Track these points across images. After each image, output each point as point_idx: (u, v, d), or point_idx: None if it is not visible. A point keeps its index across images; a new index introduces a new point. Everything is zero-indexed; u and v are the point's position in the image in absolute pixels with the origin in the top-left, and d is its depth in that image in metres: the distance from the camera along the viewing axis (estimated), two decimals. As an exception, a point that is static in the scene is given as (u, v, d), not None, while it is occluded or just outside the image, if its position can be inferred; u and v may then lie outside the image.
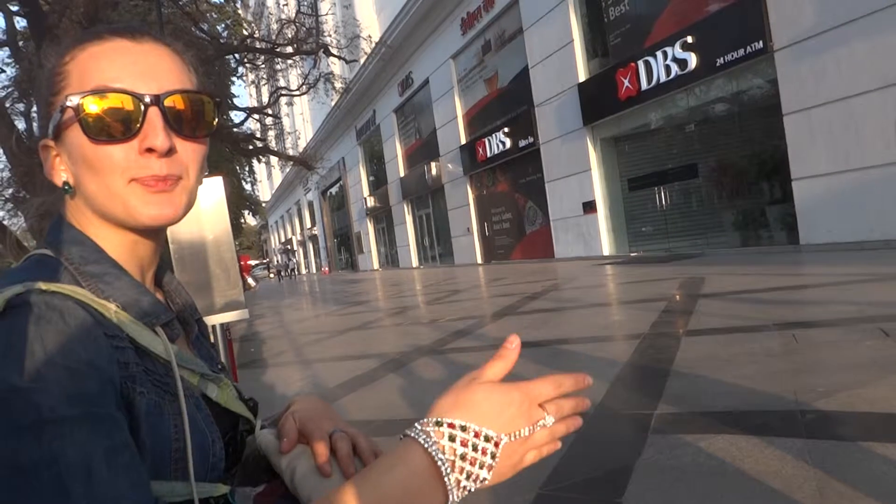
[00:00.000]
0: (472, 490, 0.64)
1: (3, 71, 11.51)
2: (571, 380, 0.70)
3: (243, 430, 0.86)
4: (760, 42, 10.08)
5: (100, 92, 0.69)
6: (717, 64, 10.89)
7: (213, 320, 3.17)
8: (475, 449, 0.63)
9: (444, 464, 0.62)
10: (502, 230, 19.94)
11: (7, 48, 9.92)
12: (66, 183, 0.73)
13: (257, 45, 15.64)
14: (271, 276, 49.04)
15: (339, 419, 0.87)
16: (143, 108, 0.70)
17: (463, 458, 0.63)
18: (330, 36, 17.27)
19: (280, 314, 13.88)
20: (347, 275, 34.30)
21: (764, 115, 10.82)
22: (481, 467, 0.63)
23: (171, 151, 0.72)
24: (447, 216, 23.35)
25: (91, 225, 0.75)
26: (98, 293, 0.69)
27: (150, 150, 0.70)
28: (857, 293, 5.60)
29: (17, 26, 9.14)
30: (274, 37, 15.54)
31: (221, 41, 14.54)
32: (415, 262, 28.01)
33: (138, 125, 0.70)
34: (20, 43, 8.61)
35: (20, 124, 8.96)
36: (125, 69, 0.71)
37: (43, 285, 0.62)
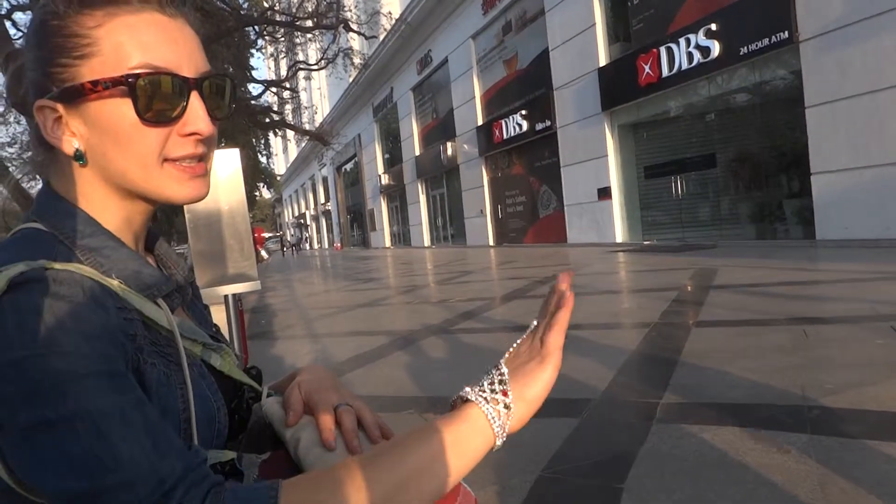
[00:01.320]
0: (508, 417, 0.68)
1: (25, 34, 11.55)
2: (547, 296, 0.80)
3: (249, 398, 0.87)
4: (786, 32, 9.91)
5: (152, 73, 0.68)
6: (741, 53, 10.73)
7: (226, 290, 3.19)
8: (488, 378, 0.71)
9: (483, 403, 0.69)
10: (515, 213, 19.89)
11: (29, 11, 9.94)
12: (78, 150, 0.71)
13: (277, 17, 15.57)
14: (284, 250, 49.29)
15: (344, 391, 0.88)
16: (187, 91, 0.71)
17: (482, 389, 0.70)
18: (350, 11, 17.16)
19: (291, 288, 13.96)
20: (359, 251, 34.40)
21: (786, 106, 10.68)
22: (495, 384, 0.70)
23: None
24: (461, 197, 23.30)
25: (91, 195, 0.73)
26: (98, 267, 0.69)
27: (191, 133, 0.72)
28: (871, 291, 5.55)
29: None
30: (294, 10, 15.48)
31: (242, 13, 14.46)
32: (427, 241, 28.04)
33: (182, 109, 0.71)
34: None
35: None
36: (167, 47, 0.70)
37: (46, 263, 0.62)
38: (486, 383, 0.70)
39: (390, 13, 21.05)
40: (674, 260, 9.84)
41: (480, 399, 0.68)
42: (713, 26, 11.19)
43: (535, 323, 0.78)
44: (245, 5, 15.96)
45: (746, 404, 2.94)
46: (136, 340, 0.66)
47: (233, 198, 3.14)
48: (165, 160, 0.71)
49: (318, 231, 58.90)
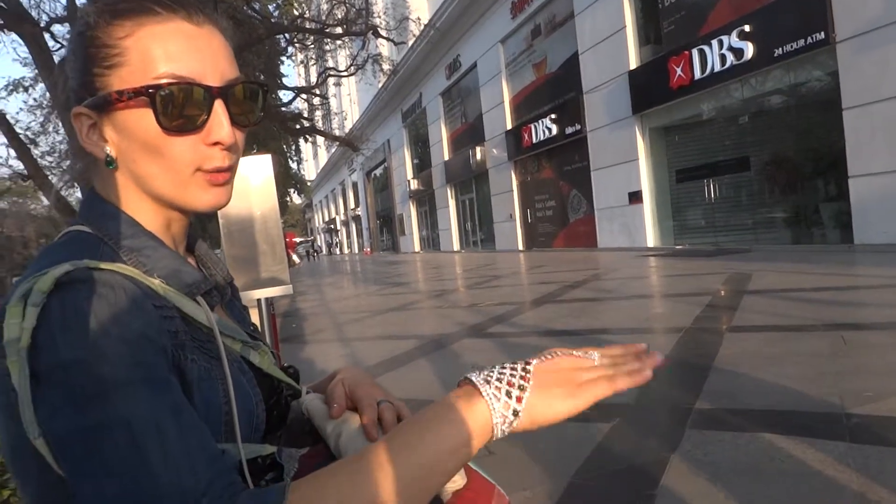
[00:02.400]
0: (515, 414, 0.66)
1: (64, 46, 11.87)
2: (621, 349, 0.74)
3: (287, 395, 0.89)
4: (822, 33, 9.71)
5: (173, 83, 0.70)
6: (776, 54, 10.54)
7: (258, 294, 3.24)
8: (511, 374, 0.68)
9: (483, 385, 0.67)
10: (545, 217, 19.79)
11: (67, 24, 10.20)
12: (108, 156, 0.73)
13: (307, 25, 15.73)
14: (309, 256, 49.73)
15: (385, 390, 0.91)
16: (210, 100, 0.72)
17: (499, 380, 0.68)
18: (379, 17, 17.28)
19: (321, 292, 14.08)
20: (389, 256, 34.56)
21: (822, 108, 10.45)
22: (514, 387, 0.67)
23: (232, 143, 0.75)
24: (490, 201, 23.26)
25: (128, 199, 0.76)
26: (140, 267, 0.71)
27: (215, 143, 0.73)
28: (912, 296, 5.41)
29: (77, 3, 9.40)
30: (324, 17, 15.63)
31: (272, 21, 14.66)
32: (456, 246, 28.05)
33: (205, 118, 0.72)
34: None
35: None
36: (191, 56, 0.72)
37: (90, 263, 0.64)
38: (505, 376, 0.68)
39: (419, 19, 21.13)
40: (707, 264, 9.70)
41: (492, 397, 0.66)
42: (747, 28, 11.01)
43: (596, 355, 0.73)
44: (275, 13, 16.17)
45: (782, 411, 2.89)
46: (178, 337, 0.68)
47: (265, 203, 3.19)
48: (198, 170, 0.73)
49: (348, 236, 59.30)
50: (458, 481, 0.81)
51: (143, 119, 0.70)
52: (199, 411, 0.66)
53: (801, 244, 11.10)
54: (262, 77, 14.70)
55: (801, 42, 10.04)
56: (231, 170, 0.77)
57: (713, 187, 12.86)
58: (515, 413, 0.66)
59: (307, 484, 0.61)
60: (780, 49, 10.43)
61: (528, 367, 0.69)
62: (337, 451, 0.79)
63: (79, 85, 0.73)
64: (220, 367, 0.73)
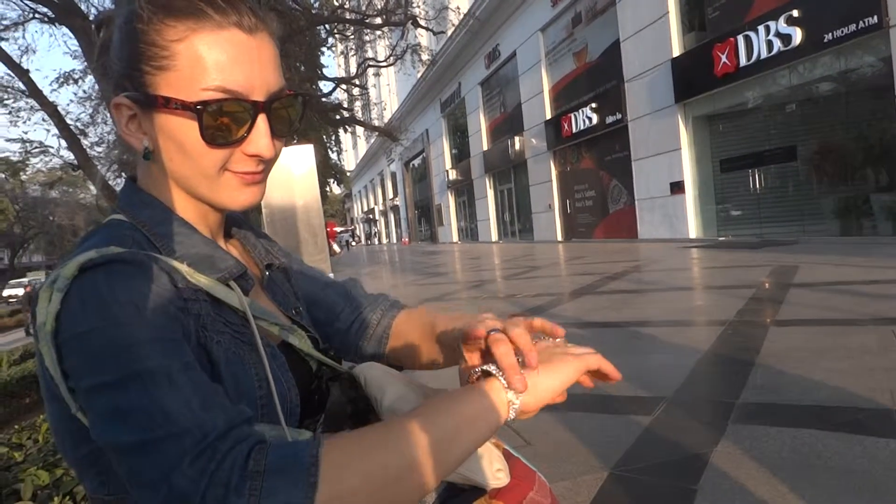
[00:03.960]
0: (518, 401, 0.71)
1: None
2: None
3: (327, 379, 0.89)
4: (875, 17, 9.36)
5: (221, 99, 0.71)
6: (825, 40, 10.20)
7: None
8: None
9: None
10: (584, 208, 19.59)
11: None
12: (146, 148, 0.75)
13: (347, 15, 15.83)
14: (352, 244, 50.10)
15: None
16: (254, 115, 0.73)
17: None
18: (418, 7, 17.26)
19: (360, 282, 14.19)
20: (427, 246, 34.65)
21: (874, 95, 10.09)
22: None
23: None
24: (529, 192, 23.12)
25: (165, 189, 0.79)
26: (171, 253, 0.74)
27: (254, 154, 0.75)
28: (969, 290, 5.21)
29: None
30: (364, 8, 15.70)
31: (313, 12, 14.77)
32: (494, 236, 27.98)
33: (246, 131, 0.73)
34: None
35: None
36: (241, 69, 0.72)
37: (115, 248, 0.67)
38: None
39: (458, 8, 21.08)
40: (751, 256, 9.49)
41: (497, 371, 0.72)
42: (795, 13, 10.68)
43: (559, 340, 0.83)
44: (316, 4, 16.29)
45: (829, 407, 2.82)
46: (202, 319, 0.70)
47: (308, 194, 3.24)
48: (226, 170, 0.75)
49: (387, 226, 59.66)
50: (501, 478, 0.81)
51: (185, 127, 0.72)
52: (228, 393, 0.68)
53: (851, 236, 10.77)
54: (302, 68, 14.84)
55: (853, 27, 9.70)
56: (264, 170, 0.79)
57: (758, 177, 12.55)
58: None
59: (338, 445, 0.62)
60: (830, 34, 10.09)
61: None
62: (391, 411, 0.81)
63: (123, 75, 0.74)
64: (254, 352, 0.75)
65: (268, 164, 0.78)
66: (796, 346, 3.92)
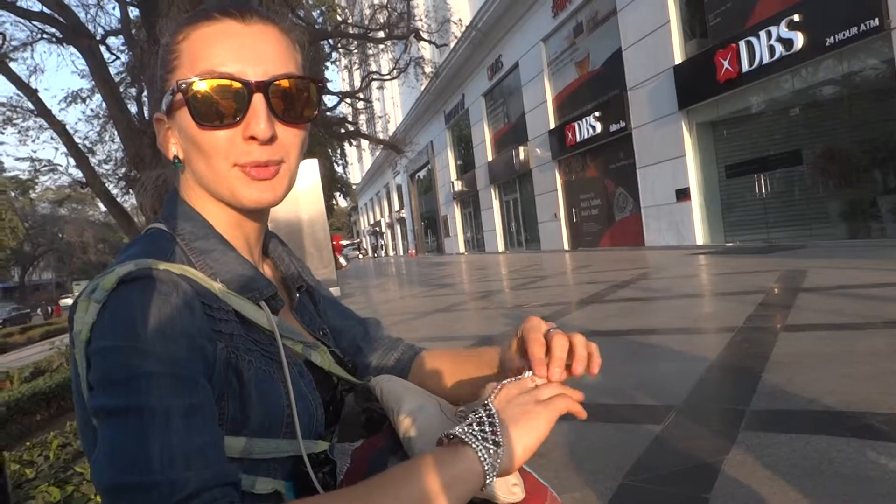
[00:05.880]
0: (499, 457, 0.67)
1: (118, 58, 12.27)
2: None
3: (342, 391, 0.90)
4: (876, 19, 9.36)
5: (207, 77, 0.71)
6: (827, 43, 10.20)
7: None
8: (478, 418, 0.69)
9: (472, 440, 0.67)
10: (590, 216, 19.57)
11: (121, 36, 10.55)
12: (175, 157, 0.77)
13: (350, 30, 15.97)
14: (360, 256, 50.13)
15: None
16: (248, 94, 0.72)
17: (471, 424, 0.69)
18: (421, 20, 17.40)
19: (368, 294, 14.21)
20: (433, 258, 34.67)
21: (877, 97, 10.08)
22: (485, 425, 0.68)
23: (272, 139, 0.74)
24: (534, 201, 23.12)
25: (200, 200, 0.79)
26: (206, 269, 0.74)
27: (252, 137, 0.73)
28: (980, 292, 5.17)
29: (131, 15, 9.71)
30: (366, 22, 15.82)
31: (317, 27, 14.90)
32: (501, 246, 27.97)
33: (243, 112, 0.72)
34: (132, 31, 9.15)
35: (132, 108, 9.56)
36: (234, 53, 0.72)
37: (153, 263, 0.67)
38: (475, 423, 0.69)
39: (460, 20, 21.21)
40: (759, 262, 9.45)
41: (471, 438, 0.67)
42: (796, 17, 10.69)
43: (529, 373, 0.76)
44: (319, 20, 16.42)
45: (841, 412, 2.80)
46: (234, 339, 0.71)
47: (313, 208, 3.26)
48: (235, 165, 0.75)
49: (393, 238, 59.73)
50: (517, 493, 0.80)
51: (186, 115, 0.73)
52: (257, 410, 0.69)
53: (859, 239, 10.72)
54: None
55: (854, 30, 9.70)
56: (277, 165, 0.76)
57: (764, 182, 12.52)
58: (497, 444, 0.67)
59: None
60: (832, 38, 10.09)
61: (487, 406, 0.70)
62: (410, 432, 0.79)
63: (156, 91, 0.78)
64: (282, 370, 0.75)
65: (276, 154, 0.75)
66: (806, 351, 3.90)
